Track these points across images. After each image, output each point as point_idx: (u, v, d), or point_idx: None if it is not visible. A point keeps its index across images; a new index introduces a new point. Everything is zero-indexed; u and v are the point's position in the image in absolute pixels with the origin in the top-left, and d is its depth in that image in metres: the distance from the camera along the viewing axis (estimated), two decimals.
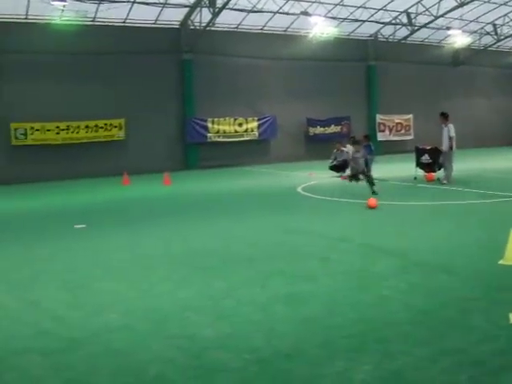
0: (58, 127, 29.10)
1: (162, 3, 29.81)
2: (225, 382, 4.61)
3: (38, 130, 28.78)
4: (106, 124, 30.10)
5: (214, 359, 5.05)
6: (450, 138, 17.97)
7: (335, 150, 23.41)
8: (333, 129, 36.88)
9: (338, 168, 22.69)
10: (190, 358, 5.09)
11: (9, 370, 4.98)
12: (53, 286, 7.70)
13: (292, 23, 34.60)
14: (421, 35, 39.62)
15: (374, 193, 15.52)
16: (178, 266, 8.65)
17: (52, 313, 6.52)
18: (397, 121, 40.29)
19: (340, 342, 5.29)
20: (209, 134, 32.99)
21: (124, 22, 30.92)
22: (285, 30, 35.48)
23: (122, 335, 5.70)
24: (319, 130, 36.50)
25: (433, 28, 38.34)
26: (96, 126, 29.90)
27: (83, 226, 12.92)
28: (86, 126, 29.68)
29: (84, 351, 5.33)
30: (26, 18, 28.64)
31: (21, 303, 6.98)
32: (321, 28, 33.52)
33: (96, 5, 28.41)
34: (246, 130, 34.05)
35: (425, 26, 37.13)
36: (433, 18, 35.98)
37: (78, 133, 29.55)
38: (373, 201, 13.81)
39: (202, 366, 4.93)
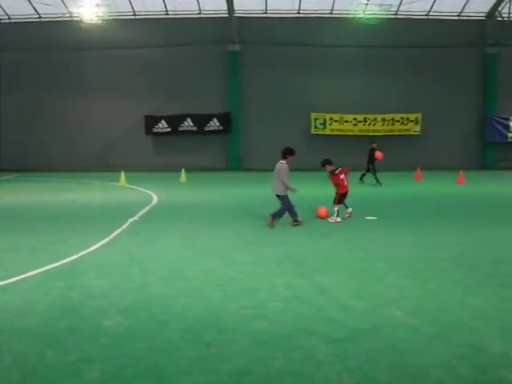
0: (355, 119, 30.03)
1: None
2: None
3: (336, 120, 30.11)
4: (402, 118, 30.07)
5: (502, 378, 4.64)
6: None
7: None
8: None
9: None
10: (474, 371, 4.76)
11: (295, 349, 5.25)
12: (341, 274, 7.92)
13: None
14: None
15: None
16: (469, 271, 8.17)
17: (338, 301, 6.69)
18: None
19: None
20: (510, 134, 30.73)
21: (427, 15, 30.43)
22: None
23: (405, 334, 5.58)
24: None
25: None
26: (392, 119, 30.09)
27: (374, 218, 13.09)
28: (383, 119, 30.03)
29: (366, 344, 5.35)
30: (330, 13, 30.08)
31: (310, 287, 7.31)
32: None
33: None
34: None
35: None
36: None
37: (374, 125, 30.10)
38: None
39: (488, 382, 4.59)
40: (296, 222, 11.99)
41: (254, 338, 5.51)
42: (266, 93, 30.67)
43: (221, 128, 30.65)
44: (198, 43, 30.26)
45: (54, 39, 30.36)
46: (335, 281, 7.57)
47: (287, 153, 11.90)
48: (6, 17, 31.07)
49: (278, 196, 11.96)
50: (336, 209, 12.58)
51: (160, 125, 30.82)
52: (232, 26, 30.14)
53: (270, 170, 15.74)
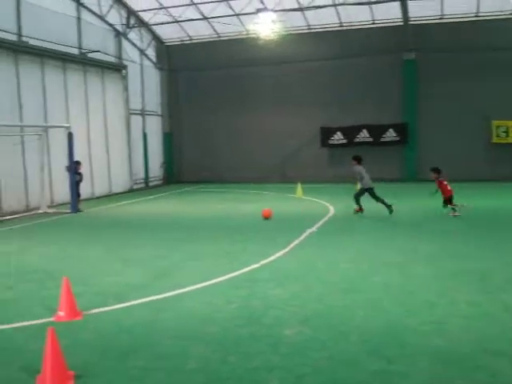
0: None
1: None
2: None
3: None
4: None
5: None
6: None
7: None
8: None
9: None
10: None
11: (479, 370, 5.05)
12: None
13: None
14: None
15: None
16: None
17: None
18: None
19: None
20: None
21: None
22: None
23: None
24: None
25: None
26: None
27: None
28: None
29: None
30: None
31: (493, 304, 6.96)
32: None
33: None
34: None
35: None
36: None
37: None
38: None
39: None
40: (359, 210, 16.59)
41: (434, 355, 5.39)
42: (443, 101, 29.49)
43: (397, 138, 30.04)
44: (372, 53, 29.99)
45: (231, 56, 31.82)
46: None
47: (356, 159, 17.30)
48: (188, 38, 33.26)
49: (370, 189, 16.53)
50: (450, 207, 14.99)
51: (335, 136, 30.95)
52: (407, 33, 29.53)
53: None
